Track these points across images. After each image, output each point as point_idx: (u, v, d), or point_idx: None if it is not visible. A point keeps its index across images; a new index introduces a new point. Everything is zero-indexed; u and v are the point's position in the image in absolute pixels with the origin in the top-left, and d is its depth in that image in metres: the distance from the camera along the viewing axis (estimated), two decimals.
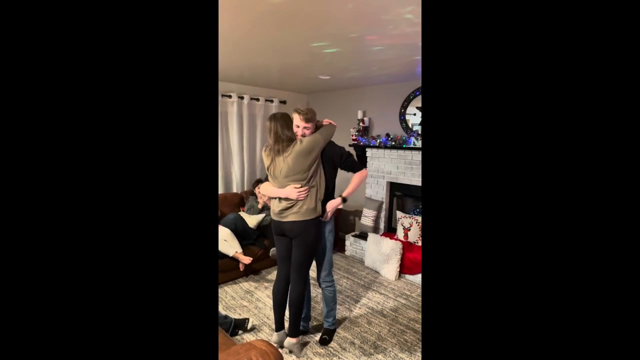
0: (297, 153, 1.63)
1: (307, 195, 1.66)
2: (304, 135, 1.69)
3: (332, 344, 2.01)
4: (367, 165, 3.48)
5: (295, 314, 1.84)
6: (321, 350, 1.95)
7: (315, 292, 2.54)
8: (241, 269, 2.79)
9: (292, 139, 1.68)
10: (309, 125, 1.67)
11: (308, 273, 1.88)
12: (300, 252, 1.76)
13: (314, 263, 1.91)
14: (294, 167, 1.63)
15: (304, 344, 2.00)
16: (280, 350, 1.65)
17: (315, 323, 2.22)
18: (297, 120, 1.67)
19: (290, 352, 1.90)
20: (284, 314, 1.93)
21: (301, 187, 1.66)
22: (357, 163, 1.82)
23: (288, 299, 1.87)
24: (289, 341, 1.87)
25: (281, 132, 1.66)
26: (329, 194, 1.82)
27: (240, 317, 2.19)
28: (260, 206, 3.19)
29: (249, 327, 2.09)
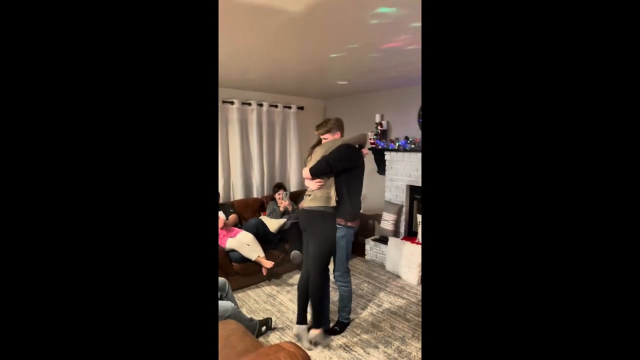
0: (319, 150, 1.99)
1: (321, 186, 1.92)
2: None
3: (356, 348, 2.02)
4: (386, 169, 3.48)
5: (315, 305, 1.99)
6: (345, 355, 1.96)
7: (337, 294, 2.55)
8: (264, 273, 2.83)
9: None
10: (326, 136, 2.00)
11: (324, 269, 2.00)
12: (310, 244, 1.97)
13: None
14: (314, 161, 1.95)
15: (328, 332, 2.12)
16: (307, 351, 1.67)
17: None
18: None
19: (316, 344, 2.00)
20: (306, 307, 2.06)
21: (319, 179, 1.92)
22: (321, 168, 1.88)
23: (308, 292, 2.03)
24: (313, 332, 2.01)
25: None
26: (351, 196, 1.93)
27: (264, 318, 2.25)
28: (282, 209, 3.24)
29: (272, 325, 2.24)
